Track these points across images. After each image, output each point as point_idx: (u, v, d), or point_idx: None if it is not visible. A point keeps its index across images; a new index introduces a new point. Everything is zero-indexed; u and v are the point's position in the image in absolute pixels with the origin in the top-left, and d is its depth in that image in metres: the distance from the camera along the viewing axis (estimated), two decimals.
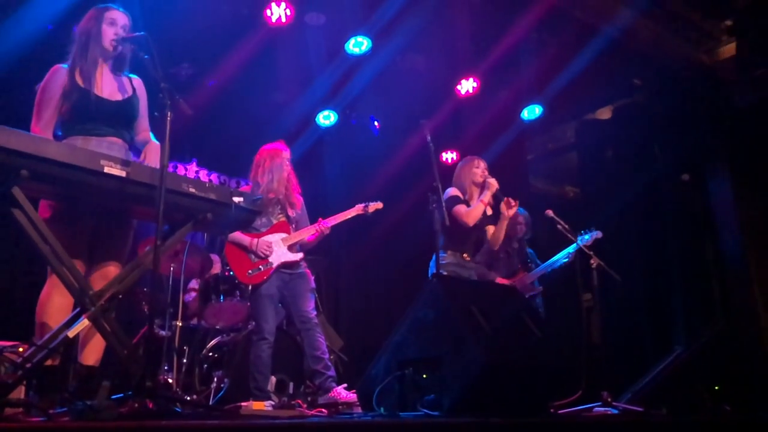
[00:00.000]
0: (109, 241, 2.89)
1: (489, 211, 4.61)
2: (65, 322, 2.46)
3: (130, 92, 3.07)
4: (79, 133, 2.88)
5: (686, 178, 4.96)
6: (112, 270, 2.87)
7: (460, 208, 4.48)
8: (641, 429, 2.43)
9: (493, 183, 4.48)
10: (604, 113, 7.64)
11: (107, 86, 2.99)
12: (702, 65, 6.63)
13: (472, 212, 4.45)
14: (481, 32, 6.32)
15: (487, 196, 4.46)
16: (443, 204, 4.14)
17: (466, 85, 6.82)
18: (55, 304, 2.72)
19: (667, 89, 6.80)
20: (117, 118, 2.98)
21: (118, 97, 3.01)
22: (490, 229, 4.64)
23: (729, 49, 6.45)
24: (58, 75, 2.92)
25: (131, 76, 3.12)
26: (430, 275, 4.60)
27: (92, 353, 2.83)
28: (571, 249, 5.18)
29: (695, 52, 6.58)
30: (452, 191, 4.62)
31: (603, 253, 4.73)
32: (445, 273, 4.38)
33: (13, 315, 4.74)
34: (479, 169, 4.65)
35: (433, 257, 4.51)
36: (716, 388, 3.49)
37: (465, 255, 4.56)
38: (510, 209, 4.50)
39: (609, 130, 7.50)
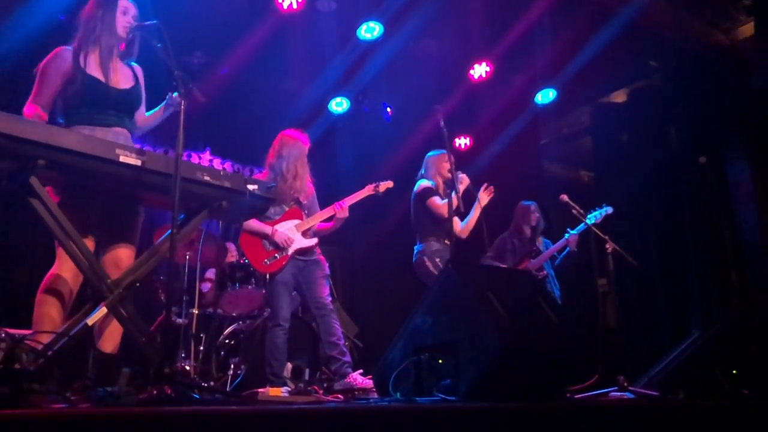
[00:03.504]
0: (118, 225, 2.88)
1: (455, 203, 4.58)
2: (84, 309, 2.49)
3: (134, 81, 3.07)
4: (85, 122, 2.85)
5: (703, 161, 4.90)
6: (123, 255, 2.87)
7: (437, 200, 4.58)
8: (658, 414, 2.41)
9: (465, 178, 4.53)
10: (620, 96, 7.56)
11: (116, 75, 2.99)
12: (720, 45, 6.52)
13: (448, 204, 4.46)
14: (494, 16, 6.26)
15: (461, 190, 4.46)
16: (458, 189, 4.14)
17: (479, 70, 6.78)
18: (54, 297, 2.70)
19: (683, 71, 6.71)
20: (123, 106, 2.98)
21: (126, 85, 3.01)
22: (457, 222, 4.63)
23: (747, 28, 6.34)
24: (61, 58, 2.88)
25: (133, 64, 3.11)
26: (418, 265, 4.64)
27: (110, 340, 2.85)
28: (574, 231, 5.19)
29: (713, 32, 6.47)
30: (425, 183, 4.73)
31: (619, 237, 4.70)
32: (437, 260, 4.49)
33: (31, 304, 4.80)
34: (448, 164, 4.59)
35: (419, 246, 4.63)
36: (734, 372, 3.45)
37: (447, 241, 4.60)
38: (488, 194, 4.61)
39: (624, 113, 7.43)
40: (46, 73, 2.85)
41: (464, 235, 4.69)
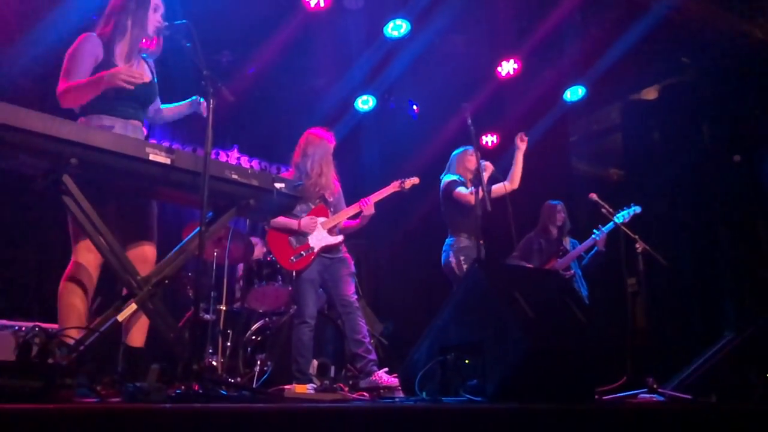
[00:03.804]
0: (134, 223, 2.90)
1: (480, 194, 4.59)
2: (114, 306, 2.53)
3: (151, 76, 3.11)
4: (105, 112, 2.86)
5: (737, 160, 4.79)
6: (147, 251, 2.90)
7: (462, 189, 4.71)
8: (688, 416, 2.37)
9: (489, 165, 4.58)
10: (651, 93, 7.42)
11: (138, 68, 3.00)
12: (755, 40, 6.36)
13: (474, 194, 4.49)
14: (522, 12, 6.21)
15: (486, 177, 4.50)
16: (485, 187, 4.12)
17: (507, 67, 6.72)
18: (77, 287, 2.73)
19: (717, 67, 6.55)
20: (142, 99, 3.01)
21: (146, 79, 3.03)
22: (498, 186, 4.71)
23: None
24: (92, 43, 2.89)
25: (146, 57, 3.14)
26: (444, 259, 4.75)
27: (138, 335, 2.89)
28: (605, 228, 5.15)
29: (748, 27, 6.31)
30: (450, 177, 4.86)
31: (649, 237, 4.63)
32: (462, 258, 4.60)
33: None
34: (473, 157, 4.70)
35: (449, 240, 4.75)
36: None
37: (480, 240, 4.59)
38: (523, 142, 4.81)
39: (655, 110, 7.29)
40: (77, 56, 2.86)
41: (515, 185, 4.80)
